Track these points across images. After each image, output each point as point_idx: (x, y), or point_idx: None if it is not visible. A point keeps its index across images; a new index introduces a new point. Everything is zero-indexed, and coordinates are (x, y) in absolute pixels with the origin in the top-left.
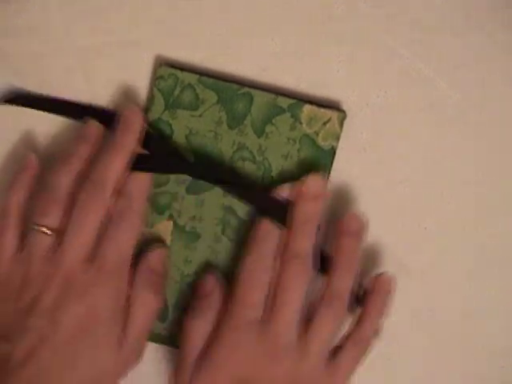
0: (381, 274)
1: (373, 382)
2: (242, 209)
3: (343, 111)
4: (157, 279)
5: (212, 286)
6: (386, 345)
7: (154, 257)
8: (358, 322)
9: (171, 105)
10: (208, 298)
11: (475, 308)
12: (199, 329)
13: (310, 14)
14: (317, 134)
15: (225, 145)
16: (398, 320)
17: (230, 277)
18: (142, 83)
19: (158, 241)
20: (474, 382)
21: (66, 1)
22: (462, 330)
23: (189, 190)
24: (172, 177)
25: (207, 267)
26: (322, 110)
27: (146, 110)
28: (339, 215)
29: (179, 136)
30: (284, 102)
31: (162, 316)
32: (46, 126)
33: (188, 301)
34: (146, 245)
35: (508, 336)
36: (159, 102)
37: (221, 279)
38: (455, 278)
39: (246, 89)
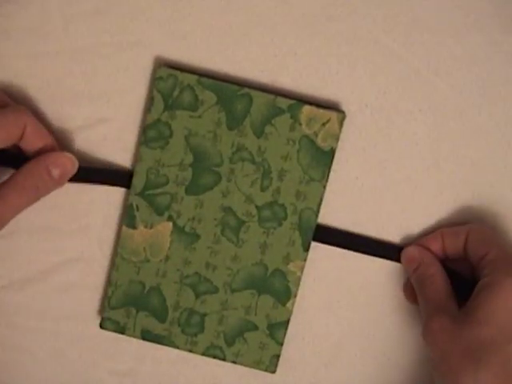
0: None
1: (370, 381)
2: (241, 209)
3: (342, 112)
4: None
5: None
6: (385, 345)
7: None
8: None
9: (171, 106)
10: None
11: None
12: None
13: (309, 15)
14: (316, 134)
15: (224, 145)
16: (397, 320)
17: (229, 277)
18: (141, 84)
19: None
20: None
21: (66, 1)
22: None
23: (188, 191)
24: (171, 177)
25: (207, 268)
26: (322, 110)
27: (146, 111)
28: (338, 216)
29: (178, 137)
30: (283, 103)
31: (161, 316)
32: None
33: (187, 302)
34: (146, 245)
35: None
36: (159, 103)
37: None
38: None
39: (246, 89)
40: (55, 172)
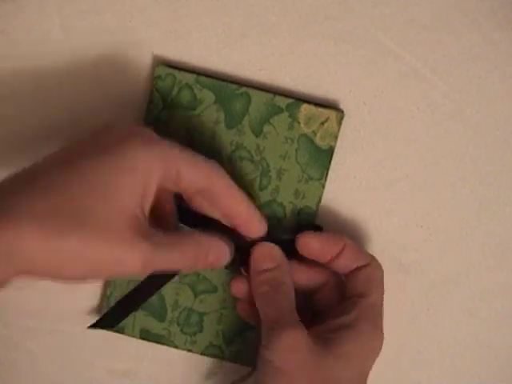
0: None
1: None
2: None
3: (341, 110)
4: None
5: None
6: (384, 344)
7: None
8: None
9: (169, 104)
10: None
11: (474, 306)
12: None
13: (306, 14)
14: (315, 133)
15: (223, 144)
16: (397, 320)
17: (228, 276)
18: (140, 83)
19: None
20: None
21: (64, 1)
22: (461, 328)
23: None
24: None
25: None
26: (320, 109)
27: (145, 109)
28: (337, 215)
29: (177, 136)
30: (282, 102)
31: (160, 316)
32: None
33: (186, 301)
34: None
35: (509, 333)
36: (157, 102)
37: None
38: (453, 276)
39: (244, 88)
40: (210, 258)
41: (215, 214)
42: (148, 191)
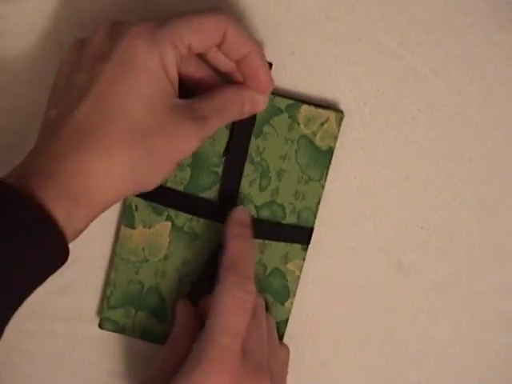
0: None
1: (370, 381)
2: None
3: (341, 111)
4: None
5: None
6: (384, 344)
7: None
8: None
9: None
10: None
11: (474, 306)
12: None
13: (307, 15)
14: (314, 134)
15: (222, 145)
16: (397, 320)
17: None
18: None
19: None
20: None
21: (64, 2)
22: (461, 328)
23: (186, 191)
24: (170, 177)
25: (205, 267)
26: (320, 110)
27: None
28: (337, 215)
29: None
30: (281, 103)
31: (160, 316)
32: None
33: None
34: (144, 245)
35: (509, 333)
36: None
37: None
38: (453, 276)
39: None
40: (246, 107)
41: (225, 68)
42: (172, 76)
